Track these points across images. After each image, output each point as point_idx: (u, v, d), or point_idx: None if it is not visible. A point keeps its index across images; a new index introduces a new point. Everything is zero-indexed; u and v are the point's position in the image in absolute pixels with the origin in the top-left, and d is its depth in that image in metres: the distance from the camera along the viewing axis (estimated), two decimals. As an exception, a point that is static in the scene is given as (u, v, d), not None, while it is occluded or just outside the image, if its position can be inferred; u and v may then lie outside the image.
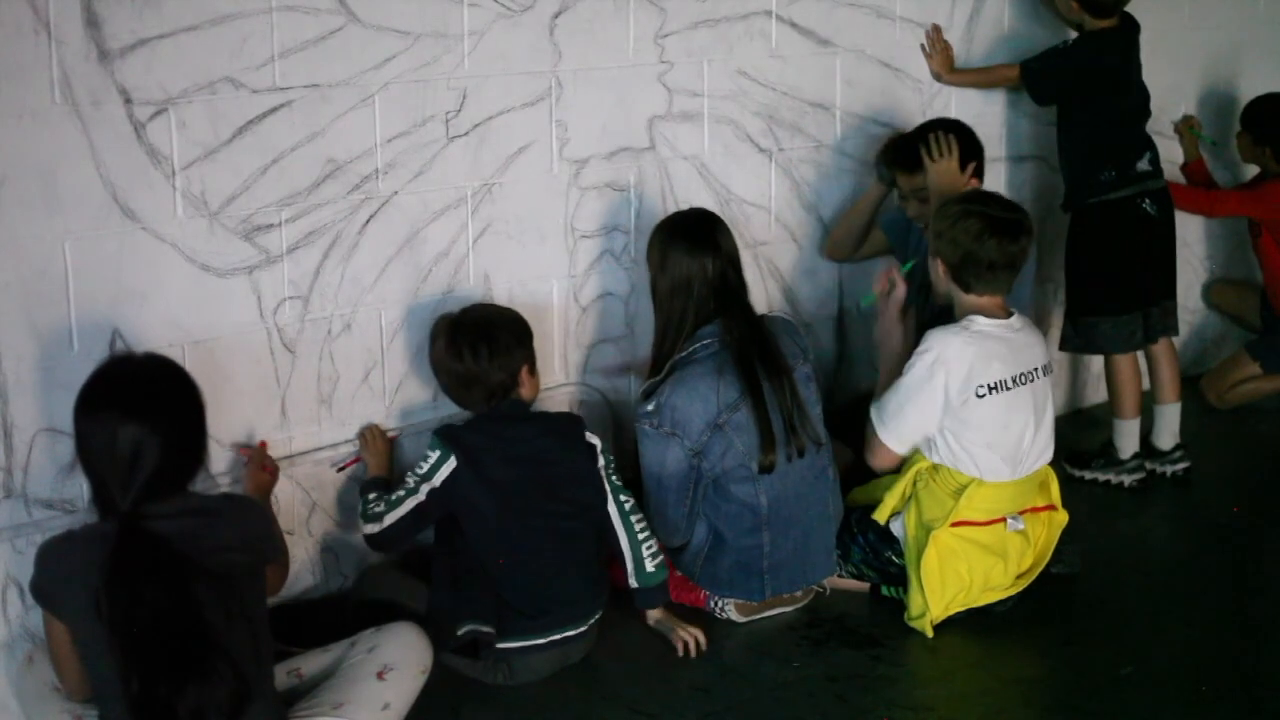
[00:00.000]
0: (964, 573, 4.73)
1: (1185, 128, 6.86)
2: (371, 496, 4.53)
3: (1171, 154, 6.72)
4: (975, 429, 4.67)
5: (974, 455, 4.69)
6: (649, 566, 4.65)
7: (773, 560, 4.77)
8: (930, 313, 5.15)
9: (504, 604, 4.42)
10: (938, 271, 4.81)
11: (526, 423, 4.59)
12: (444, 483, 4.41)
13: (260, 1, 4.31)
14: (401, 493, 4.46)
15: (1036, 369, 4.77)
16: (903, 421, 4.73)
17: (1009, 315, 4.78)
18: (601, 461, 4.63)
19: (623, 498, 4.64)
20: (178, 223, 4.26)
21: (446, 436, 4.46)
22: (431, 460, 4.43)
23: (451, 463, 4.40)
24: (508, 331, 4.57)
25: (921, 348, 4.71)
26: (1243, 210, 6.76)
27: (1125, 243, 5.86)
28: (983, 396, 4.65)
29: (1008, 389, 4.68)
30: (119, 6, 4.06)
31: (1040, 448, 4.80)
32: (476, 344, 4.50)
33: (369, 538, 4.52)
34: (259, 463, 4.39)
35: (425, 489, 4.43)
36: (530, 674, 4.48)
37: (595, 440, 4.64)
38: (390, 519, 4.45)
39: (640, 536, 4.64)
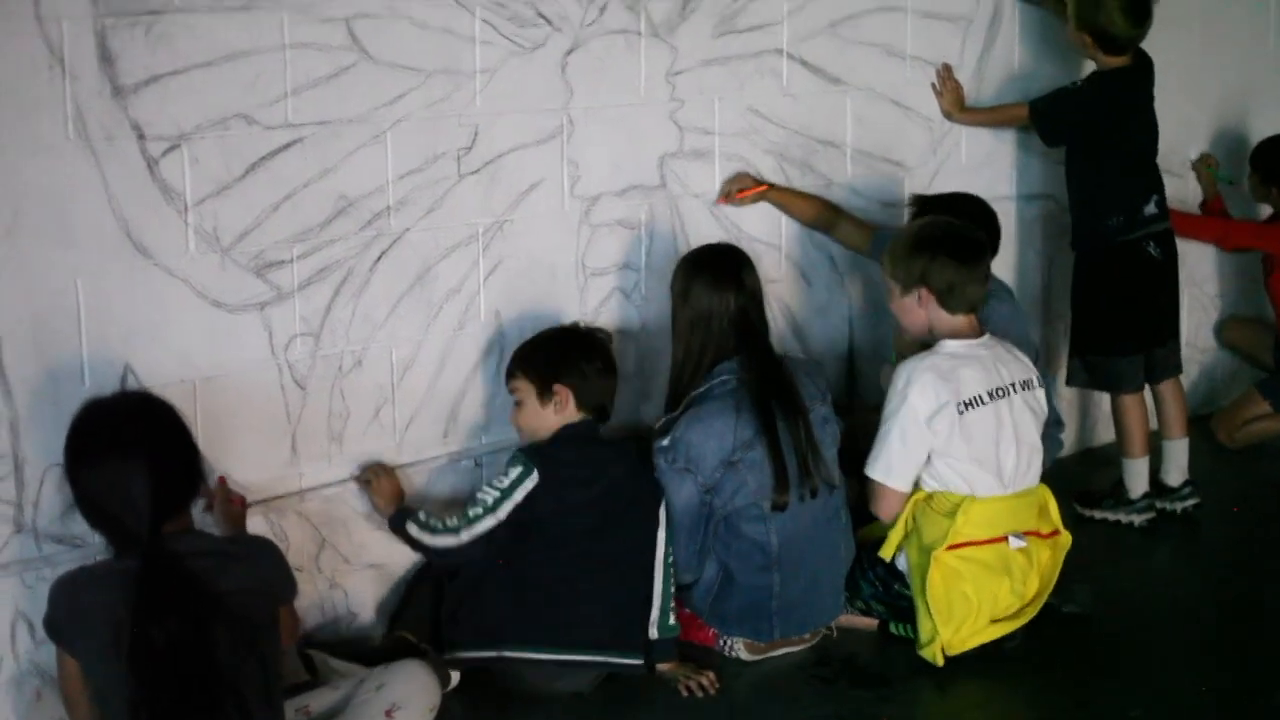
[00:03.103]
0: (970, 594, 4.72)
1: (1203, 166, 6.87)
2: (423, 516, 4.56)
3: (1180, 192, 6.71)
4: (958, 446, 4.70)
5: (960, 472, 4.71)
6: (671, 619, 4.67)
7: (782, 601, 4.75)
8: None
9: (519, 611, 4.47)
10: (914, 303, 4.84)
11: (603, 445, 4.68)
12: (525, 499, 4.46)
13: (273, 38, 4.32)
14: (479, 510, 4.49)
15: (1014, 384, 4.82)
16: (893, 454, 4.73)
17: (981, 335, 4.84)
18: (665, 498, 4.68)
19: (671, 545, 4.68)
20: (190, 258, 4.26)
21: (531, 452, 4.55)
22: (513, 475, 4.49)
23: (535, 478, 4.46)
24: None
25: (893, 380, 4.78)
26: (1256, 243, 6.77)
27: (1130, 285, 5.86)
28: (961, 414, 4.68)
29: (983, 404, 4.72)
30: (133, 43, 4.07)
31: (1027, 460, 4.82)
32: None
33: (440, 550, 4.52)
34: (224, 498, 4.33)
35: (507, 507, 4.47)
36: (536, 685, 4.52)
37: None
38: (468, 535, 4.48)
39: (671, 588, 4.67)
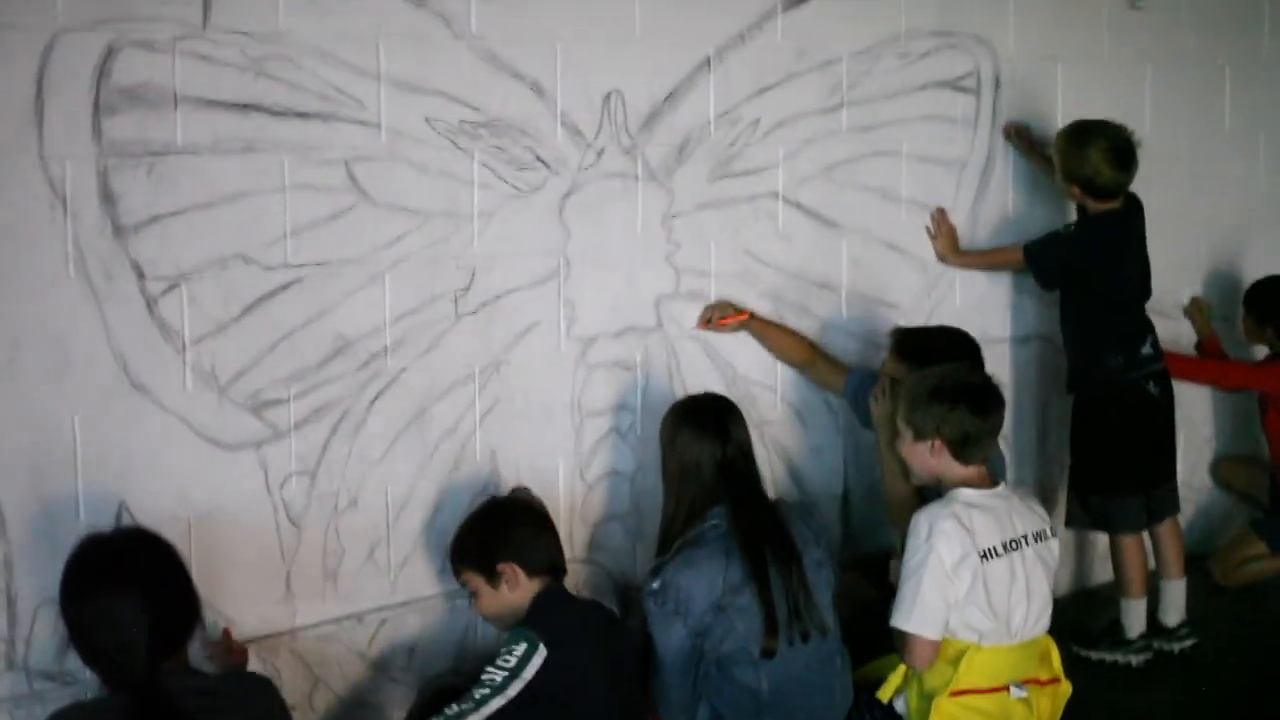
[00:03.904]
0: (969, 742, 4.69)
1: (1195, 310, 6.92)
2: None
3: (1172, 334, 6.74)
4: (978, 596, 4.65)
5: (968, 620, 4.65)
6: None
7: (776, 748, 4.71)
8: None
9: None
10: (926, 451, 4.79)
11: (580, 604, 4.59)
12: (536, 675, 4.18)
13: (274, 179, 4.38)
14: (486, 690, 4.18)
15: (1027, 536, 4.74)
16: (923, 604, 4.67)
17: (995, 484, 4.80)
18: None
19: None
20: (187, 397, 4.29)
21: (532, 625, 4.29)
22: (519, 652, 4.20)
23: (542, 652, 4.21)
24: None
25: (912, 529, 4.70)
26: (1252, 383, 6.80)
27: (1130, 425, 5.88)
28: (982, 563, 4.64)
29: (999, 555, 4.66)
30: (135, 183, 4.13)
31: (1037, 613, 4.76)
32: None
33: None
34: (226, 648, 4.33)
35: (517, 686, 4.18)
36: None
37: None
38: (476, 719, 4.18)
39: None
